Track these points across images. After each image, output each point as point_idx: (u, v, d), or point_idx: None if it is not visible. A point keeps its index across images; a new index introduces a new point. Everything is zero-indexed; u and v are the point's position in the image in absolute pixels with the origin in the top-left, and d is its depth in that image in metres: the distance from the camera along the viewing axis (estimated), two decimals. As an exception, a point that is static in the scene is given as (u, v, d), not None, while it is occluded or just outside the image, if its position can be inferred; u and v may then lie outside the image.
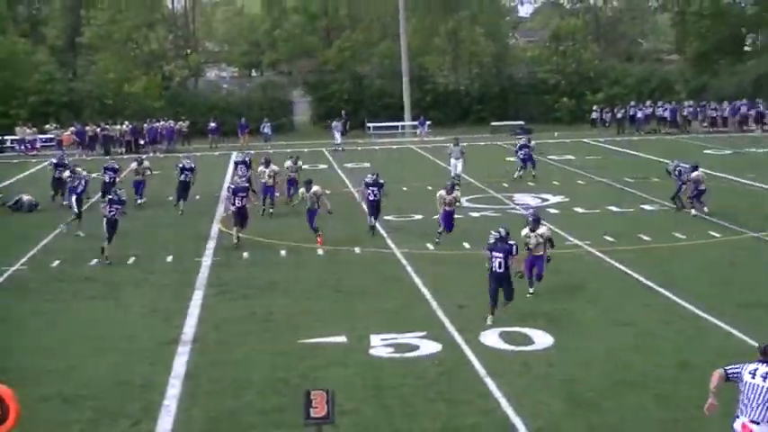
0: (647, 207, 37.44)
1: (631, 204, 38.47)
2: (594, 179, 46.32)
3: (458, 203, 31.83)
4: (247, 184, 34.60)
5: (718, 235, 31.71)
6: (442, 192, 30.83)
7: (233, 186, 32.31)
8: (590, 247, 29.85)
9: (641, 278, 25.74)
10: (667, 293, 23.91)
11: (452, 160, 45.36)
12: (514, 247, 21.73)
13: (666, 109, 74.64)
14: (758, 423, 12.30)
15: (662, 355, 19.14)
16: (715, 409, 12.76)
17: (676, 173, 36.52)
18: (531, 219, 24.55)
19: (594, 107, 78.97)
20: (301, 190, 31.98)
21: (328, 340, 20.68)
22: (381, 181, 33.06)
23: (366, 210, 33.56)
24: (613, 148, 62.57)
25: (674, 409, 16.46)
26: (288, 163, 39.80)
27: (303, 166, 41.96)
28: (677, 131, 72.33)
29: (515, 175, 46.23)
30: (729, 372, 12.70)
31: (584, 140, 67.43)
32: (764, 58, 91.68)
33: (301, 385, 16.59)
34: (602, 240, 30.81)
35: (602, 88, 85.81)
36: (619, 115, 74.86)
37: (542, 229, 24.26)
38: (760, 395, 12.35)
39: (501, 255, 21.48)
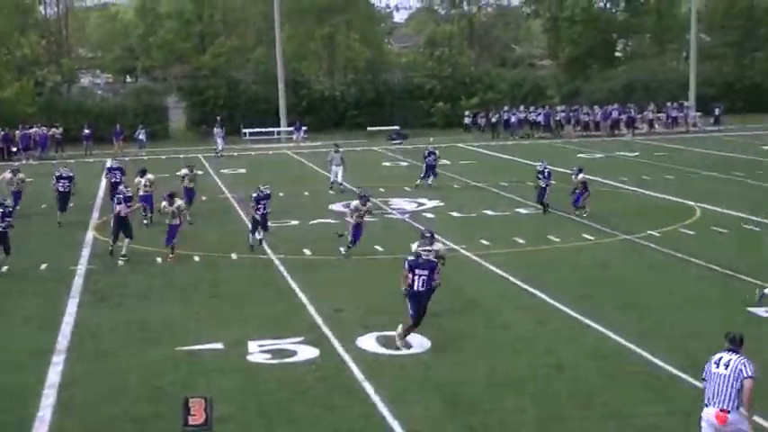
0: (521, 211, 37.91)
1: (506, 208, 38.91)
2: (470, 183, 46.75)
3: (370, 214, 30.92)
4: (131, 194, 33.10)
5: (591, 237, 32.23)
6: (357, 203, 29.92)
7: (121, 195, 30.82)
8: (466, 250, 30.09)
9: (517, 281, 26.04)
10: (542, 296, 24.21)
11: (333, 167, 45.13)
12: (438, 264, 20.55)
13: (540, 113, 75.65)
14: (729, 411, 12.82)
15: (538, 356, 19.38)
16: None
17: (545, 174, 36.99)
18: (426, 234, 23.03)
19: (467, 112, 79.56)
20: (163, 203, 30.31)
21: (205, 347, 20.52)
22: (269, 192, 32.01)
23: (249, 226, 31.57)
24: (488, 152, 63.21)
25: (550, 408, 16.68)
26: (183, 171, 38.85)
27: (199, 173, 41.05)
28: (550, 136, 73.40)
29: (417, 183, 45.66)
30: (704, 375, 13.35)
31: (459, 145, 67.94)
32: (635, 64, 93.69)
33: (179, 393, 16.43)
34: (477, 244, 31.09)
35: (477, 93, 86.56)
36: (493, 120, 75.56)
37: (437, 245, 23.41)
38: (725, 384, 12.86)
39: (426, 272, 19.97)
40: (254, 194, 31.45)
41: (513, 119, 74.93)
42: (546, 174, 37.02)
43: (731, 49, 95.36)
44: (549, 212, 36.88)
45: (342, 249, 29.50)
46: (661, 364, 18.71)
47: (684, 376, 17.86)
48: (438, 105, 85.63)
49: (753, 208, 36.79)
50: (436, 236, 24.25)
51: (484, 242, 31.39)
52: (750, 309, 22.65)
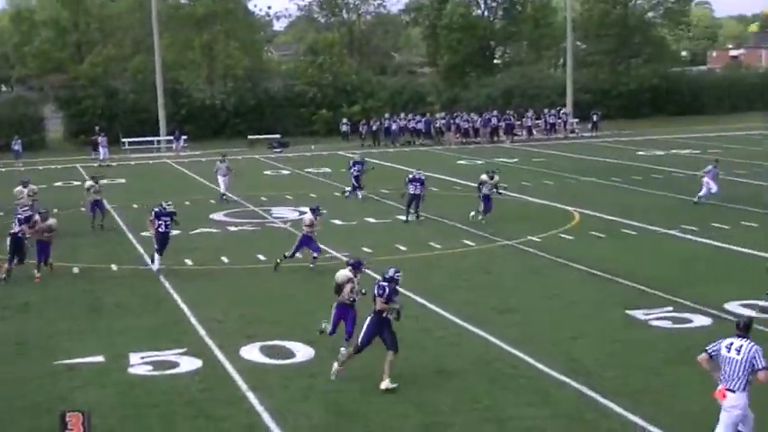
0: (403, 218, 37.99)
1: (388, 215, 38.99)
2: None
3: (316, 228, 29.10)
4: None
5: (472, 244, 32.46)
6: (311, 216, 28.87)
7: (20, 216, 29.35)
8: (348, 258, 30.01)
9: (399, 288, 26.04)
10: (425, 302, 24.29)
11: (219, 177, 44.67)
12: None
13: (420, 121, 75.99)
14: (734, 391, 13.83)
15: (422, 362, 19.43)
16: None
17: (418, 181, 37.09)
18: (350, 264, 20.73)
19: (344, 120, 79.24)
20: (36, 217, 29.00)
21: (85, 360, 20.20)
22: (173, 210, 29.76)
23: (155, 244, 29.01)
24: (370, 160, 63.25)
25: (433, 414, 16.75)
26: (88, 183, 37.78)
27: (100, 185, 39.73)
28: (431, 143, 73.78)
29: (346, 194, 44.71)
30: (710, 351, 14.19)
31: (341, 153, 67.99)
32: (513, 71, 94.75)
33: (57, 408, 16.12)
34: (360, 252, 31.05)
35: (358, 101, 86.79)
36: (374, 128, 75.71)
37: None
38: (734, 367, 13.84)
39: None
40: (156, 209, 29.09)
41: (393, 126, 75.14)
42: (418, 180, 36.99)
43: (607, 56, 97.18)
44: (425, 219, 36.93)
45: (278, 259, 29.00)
46: (543, 368, 18.91)
47: (567, 380, 18.07)
48: (320, 113, 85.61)
49: (630, 213, 37.42)
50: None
51: (366, 249, 31.37)
52: (628, 312, 23.01)
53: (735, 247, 30.68)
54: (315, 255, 28.68)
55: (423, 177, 37.46)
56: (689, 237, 32.91)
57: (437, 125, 75.42)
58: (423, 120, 76.08)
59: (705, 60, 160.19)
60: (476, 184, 37.56)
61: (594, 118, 77.89)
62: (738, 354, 13.77)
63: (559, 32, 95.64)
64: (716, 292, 24.54)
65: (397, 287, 18.69)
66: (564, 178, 49.53)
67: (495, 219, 36.34)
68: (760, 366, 13.72)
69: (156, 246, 28.85)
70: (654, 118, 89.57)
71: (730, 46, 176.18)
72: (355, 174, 44.16)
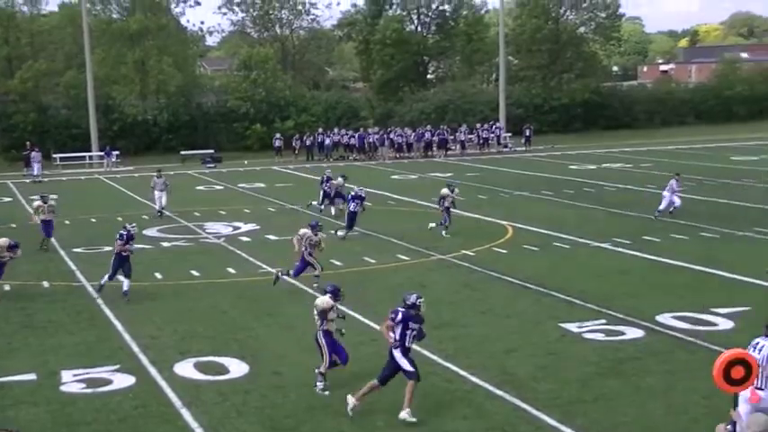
0: (339, 233, 37.97)
1: (323, 230, 38.85)
2: (286, 206, 46.70)
3: (322, 247, 28.16)
4: None
5: (406, 258, 32.52)
6: (308, 231, 27.99)
7: None
8: (282, 274, 29.98)
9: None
10: (359, 317, 24.25)
11: (156, 192, 44.10)
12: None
13: (353, 136, 76.02)
14: (763, 389, 14.03)
15: (356, 377, 19.39)
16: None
17: (360, 198, 37.14)
18: (329, 291, 19.43)
19: (278, 135, 78.69)
20: None
21: (16, 378, 19.97)
22: (134, 232, 28.40)
23: (112, 264, 27.62)
24: (303, 175, 63.28)
25: (369, 428, 16.75)
26: (37, 203, 36.94)
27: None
28: (365, 157, 73.84)
29: (321, 208, 43.68)
30: None
31: (274, 168, 67.91)
32: (446, 86, 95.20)
33: (-12, 427, 15.97)
34: (294, 266, 30.99)
35: (291, 116, 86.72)
36: (308, 142, 75.59)
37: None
38: (763, 366, 14.02)
39: (418, 326, 17.47)
40: (125, 232, 27.63)
41: (327, 141, 75.09)
42: (359, 198, 37.03)
43: (539, 71, 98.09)
44: (359, 234, 36.96)
45: (278, 272, 28.19)
46: (478, 381, 18.98)
47: (501, 393, 18.14)
48: (253, 128, 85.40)
49: (562, 226, 37.71)
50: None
51: (301, 265, 31.33)
52: (562, 325, 23.17)
53: (666, 260, 31.01)
54: (316, 273, 28.00)
55: (363, 195, 37.56)
56: (621, 250, 33.22)
57: (370, 140, 75.49)
58: (356, 135, 76.13)
59: (636, 75, 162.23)
60: (409, 199, 37.58)
61: (527, 132, 78.43)
62: (759, 353, 14.12)
63: (492, 47, 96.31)
64: (648, 305, 24.80)
65: (420, 313, 17.51)
66: (497, 192, 49.82)
67: (429, 233, 36.45)
68: None
69: (120, 269, 27.39)
70: (586, 132, 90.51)
71: (660, 61, 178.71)
72: (326, 189, 43.14)
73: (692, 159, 63.96)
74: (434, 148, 75.53)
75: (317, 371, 18.71)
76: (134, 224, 29.25)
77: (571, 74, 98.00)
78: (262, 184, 56.51)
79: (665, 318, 23.57)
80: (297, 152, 75.38)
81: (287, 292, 27.91)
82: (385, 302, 25.83)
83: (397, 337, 17.20)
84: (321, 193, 43.87)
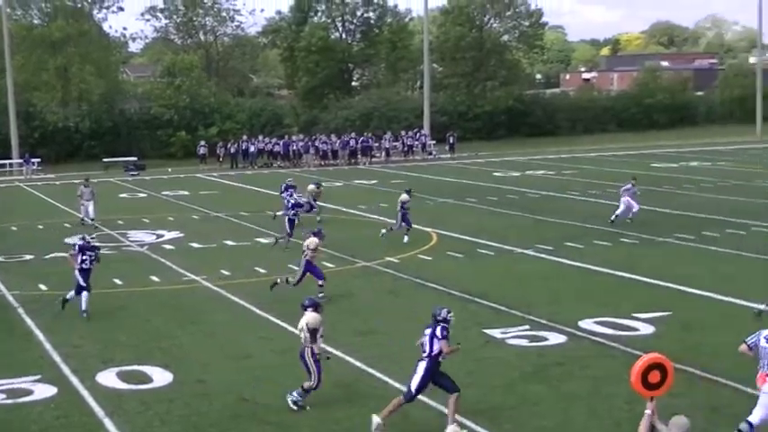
0: (262, 240, 37.85)
1: (247, 237, 38.81)
2: (210, 214, 46.45)
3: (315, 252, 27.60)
4: None
5: (331, 265, 32.41)
6: (315, 239, 27.50)
7: None
8: (206, 281, 29.86)
9: (257, 310, 25.99)
10: (283, 324, 24.18)
11: (84, 202, 43.23)
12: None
13: (278, 143, 75.81)
14: None
15: (280, 385, 19.28)
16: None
17: (299, 206, 37.20)
18: (310, 305, 18.97)
19: (202, 142, 78.17)
20: None
21: (-65, 389, 19.67)
22: (97, 244, 28.30)
23: (79, 280, 26.19)
24: (228, 182, 63.02)
25: (293, 437, 16.73)
26: None
27: None
28: (289, 165, 73.64)
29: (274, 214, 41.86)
30: (749, 342, 15.52)
31: (198, 175, 67.58)
32: (371, 93, 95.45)
33: None
34: (218, 274, 30.89)
35: (216, 123, 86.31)
36: (232, 150, 75.26)
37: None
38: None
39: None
40: (79, 243, 27.02)
41: (251, 148, 74.84)
42: (299, 206, 37.18)
43: (463, 78, 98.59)
44: (291, 241, 36.91)
45: (277, 279, 27.95)
46: (403, 388, 18.95)
47: (426, 399, 18.11)
48: (177, 135, 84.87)
49: (486, 233, 37.89)
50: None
51: (224, 272, 31.20)
52: (486, 331, 23.26)
53: (588, 266, 31.26)
54: (320, 282, 27.42)
55: (302, 202, 37.71)
56: (543, 256, 33.44)
57: (295, 147, 75.32)
58: (281, 142, 75.94)
59: (559, 83, 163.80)
60: (334, 206, 37.55)
61: (451, 140, 78.80)
62: (767, 342, 15.17)
63: (416, 55, 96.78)
64: (571, 311, 24.98)
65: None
66: (422, 200, 49.76)
67: (352, 240, 36.48)
68: None
69: (81, 283, 26.12)
70: (509, 140, 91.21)
71: (583, 69, 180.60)
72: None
73: (614, 166, 64.62)
74: (359, 156, 75.60)
75: (302, 385, 18.13)
76: (94, 236, 28.82)
77: (495, 81, 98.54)
78: (186, 192, 56.18)
79: (588, 323, 23.75)
80: (221, 159, 74.99)
81: (210, 299, 27.78)
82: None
83: (427, 349, 16.98)
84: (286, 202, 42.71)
